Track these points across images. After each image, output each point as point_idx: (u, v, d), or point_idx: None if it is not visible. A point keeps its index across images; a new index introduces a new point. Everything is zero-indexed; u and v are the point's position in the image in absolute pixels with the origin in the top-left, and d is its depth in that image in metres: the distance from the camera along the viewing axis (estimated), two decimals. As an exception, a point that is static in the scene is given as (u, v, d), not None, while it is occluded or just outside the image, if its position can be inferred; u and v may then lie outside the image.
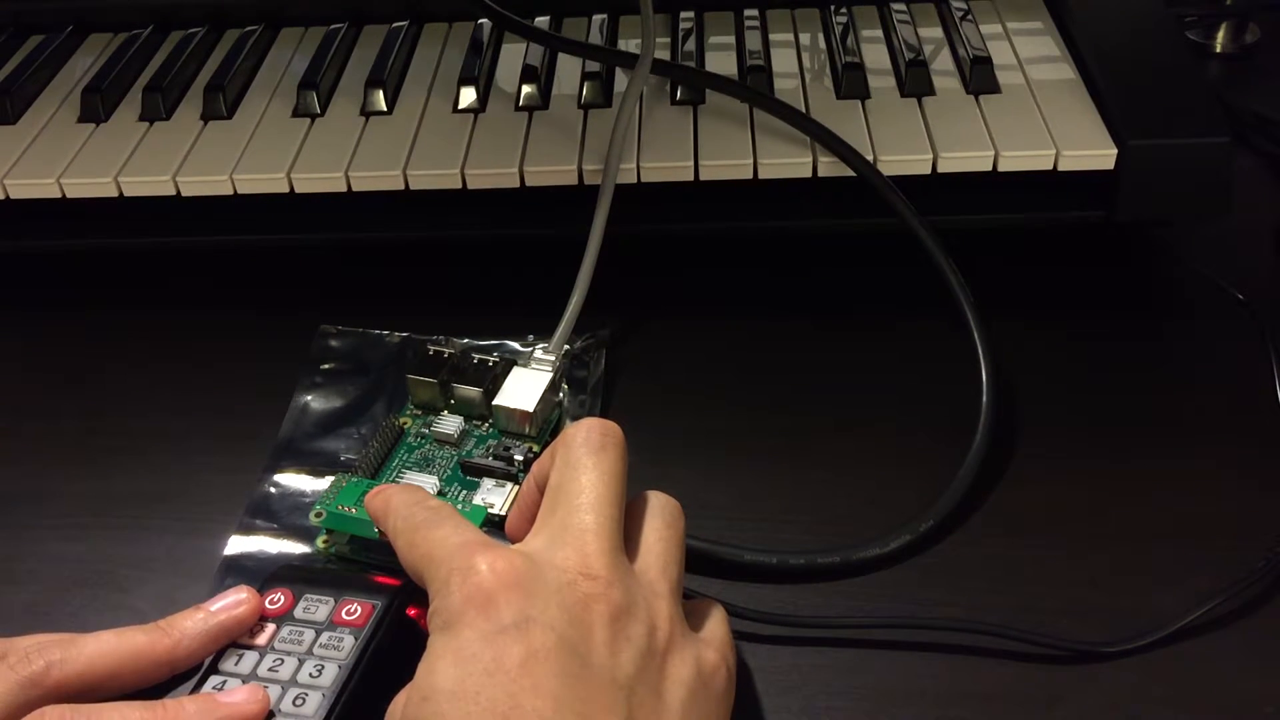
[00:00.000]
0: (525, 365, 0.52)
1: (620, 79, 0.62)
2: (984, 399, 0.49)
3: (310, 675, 0.40)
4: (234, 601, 0.41)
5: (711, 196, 0.56)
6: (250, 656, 0.41)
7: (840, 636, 0.44)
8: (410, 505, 0.41)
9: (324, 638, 0.41)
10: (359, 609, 0.41)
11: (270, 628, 0.41)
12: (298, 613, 0.42)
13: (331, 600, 0.42)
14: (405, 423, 0.52)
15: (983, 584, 0.45)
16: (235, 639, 0.41)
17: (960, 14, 0.64)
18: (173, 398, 0.55)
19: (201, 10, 0.69)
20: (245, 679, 0.40)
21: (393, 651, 0.41)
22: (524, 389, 0.50)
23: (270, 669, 0.40)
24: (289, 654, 0.41)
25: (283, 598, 0.42)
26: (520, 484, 0.48)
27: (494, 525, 0.46)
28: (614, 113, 0.56)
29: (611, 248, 0.53)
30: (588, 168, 0.56)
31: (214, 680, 0.40)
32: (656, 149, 0.56)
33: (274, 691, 0.39)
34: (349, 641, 0.40)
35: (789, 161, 0.55)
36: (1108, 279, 0.59)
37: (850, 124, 0.57)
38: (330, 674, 0.40)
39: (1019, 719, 0.41)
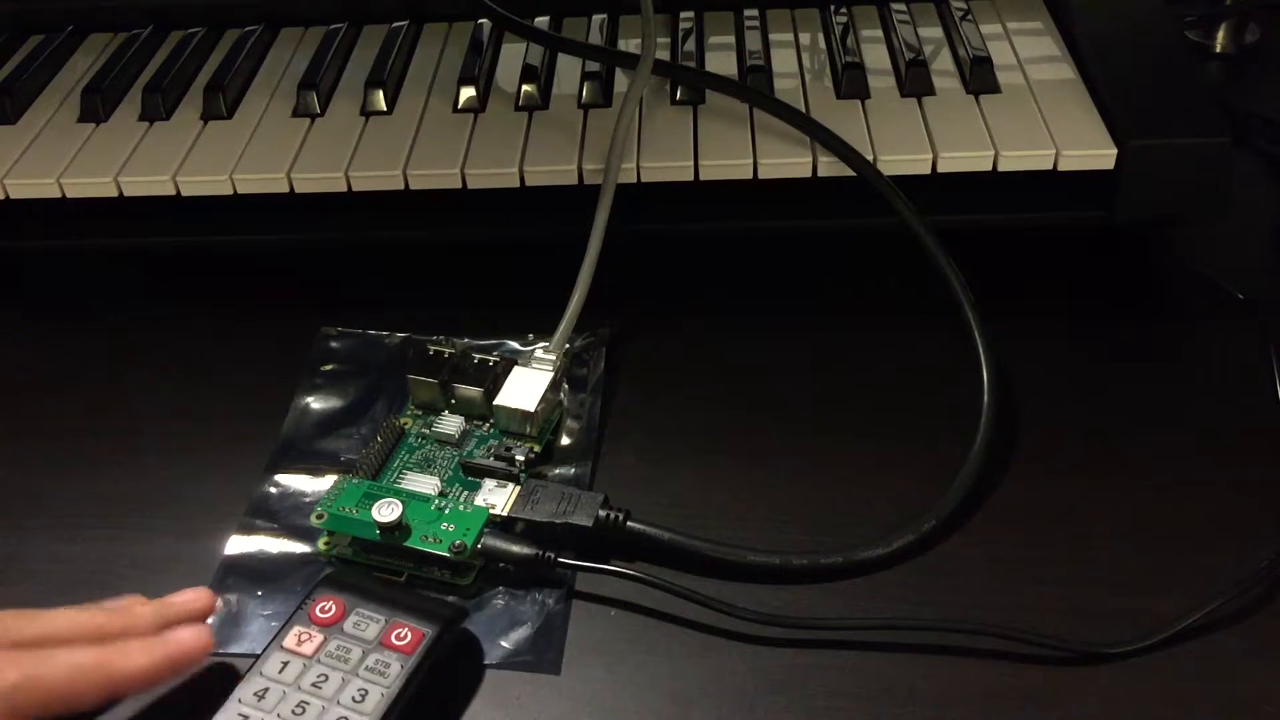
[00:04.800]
0: (526, 365, 0.52)
1: (620, 79, 0.62)
2: (984, 399, 0.49)
3: (354, 699, 0.39)
4: (193, 596, 0.42)
5: (711, 196, 0.56)
6: (295, 664, 0.40)
7: (840, 637, 0.44)
8: None
9: (371, 659, 0.40)
10: (409, 635, 0.41)
11: (319, 637, 0.41)
12: (347, 626, 0.42)
13: (382, 619, 0.42)
14: (406, 423, 0.52)
15: (983, 584, 0.45)
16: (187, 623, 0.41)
17: (960, 14, 0.64)
18: (173, 398, 0.55)
19: (201, 10, 0.69)
20: (289, 688, 0.40)
21: (432, 681, 0.41)
22: (525, 388, 0.50)
23: (314, 683, 0.40)
24: (334, 669, 0.40)
25: (334, 607, 0.42)
26: (522, 484, 0.48)
27: (496, 525, 0.46)
28: (614, 113, 0.56)
29: (611, 248, 0.54)
30: (588, 168, 0.56)
31: (257, 684, 0.40)
32: (656, 149, 0.56)
33: (315, 707, 0.39)
34: (396, 668, 0.40)
35: (789, 161, 0.55)
36: (1108, 279, 0.59)
37: (850, 124, 0.57)
38: (374, 700, 0.39)
39: (1019, 719, 0.41)
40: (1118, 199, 0.54)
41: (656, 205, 0.57)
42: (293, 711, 0.39)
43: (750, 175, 0.56)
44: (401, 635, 0.41)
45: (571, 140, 0.58)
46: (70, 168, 0.58)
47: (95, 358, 0.58)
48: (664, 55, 0.63)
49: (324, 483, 0.50)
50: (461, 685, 0.43)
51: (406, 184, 0.57)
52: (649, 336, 0.57)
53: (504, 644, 0.44)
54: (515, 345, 0.55)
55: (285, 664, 0.41)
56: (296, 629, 0.42)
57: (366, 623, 0.42)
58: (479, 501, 0.47)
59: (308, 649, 0.41)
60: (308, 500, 0.49)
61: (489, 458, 0.49)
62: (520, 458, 0.49)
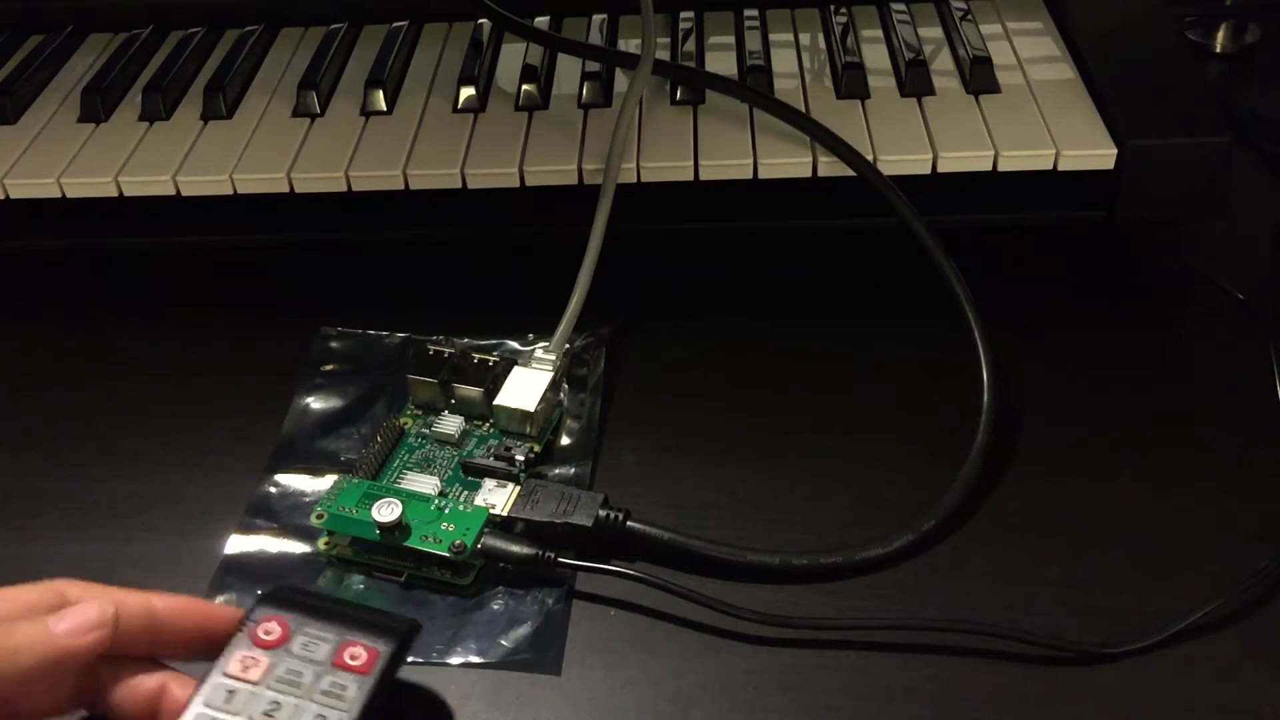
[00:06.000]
0: (526, 365, 0.52)
1: (620, 79, 0.62)
2: (984, 399, 0.49)
3: None
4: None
5: (711, 196, 0.56)
6: (243, 692, 0.38)
7: (840, 637, 0.44)
8: None
9: (325, 682, 0.38)
10: (364, 654, 0.38)
11: (265, 661, 0.38)
12: (295, 648, 0.39)
13: (332, 639, 0.39)
14: (406, 423, 0.52)
15: (983, 584, 0.45)
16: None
17: (960, 14, 0.64)
18: (173, 398, 0.55)
19: (201, 10, 0.69)
20: (238, 718, 0.37)
21: (389, 697, 0.39)
22: (525, 388, 0.51)
23: (266, 711, 0.37)
24: (285, 695, 0.38)
25: (278, 628, 0.39)
26: (521, 484, 0.48)
27: (496, 526, 0.46)
28: (614, 113, 0.56)
29: (612, 248, 0.54)
30: (588, 167, 0.56)
31: (203, 715, 0.37)
32: (656, 149, 0.56)
33: None
34: (353, 690, 0.37)
35: (789, 161, 0.55)
36: (1107, 279, 0.59)
37: (850, 124, 0.57)
38: None
39: (1019, 719, 0.41)
40: (1117, 199, 0.54)
41: (656, 205, 0.57)
42: None
43: (750, 175, 0.56)
44: (356, 654, 0.38)
45: (571, 140, 0.58)
46: (70, 168, 0.58)
47: (95, 358, 0.58)
48: (664, 55, 0.63)
49: (324, 483, 0.50)
50: (459, 685, 0.43)
51: (406, 184, 0.57)
52: (649, 336, 0.57)
53: (504, 644, 0.44)
54: (515, 345, 0.55)
55: (231, 692, 0.38)
56: (240, 653, 0.39)
57: (316, 643, 0.39)
58: (479, 501, 0.47)
59: (254, 675, 0.38)
60: (308, 500, 0.49)
61: (489, 458, 0.49)
62: (520, 457, 0.49)
